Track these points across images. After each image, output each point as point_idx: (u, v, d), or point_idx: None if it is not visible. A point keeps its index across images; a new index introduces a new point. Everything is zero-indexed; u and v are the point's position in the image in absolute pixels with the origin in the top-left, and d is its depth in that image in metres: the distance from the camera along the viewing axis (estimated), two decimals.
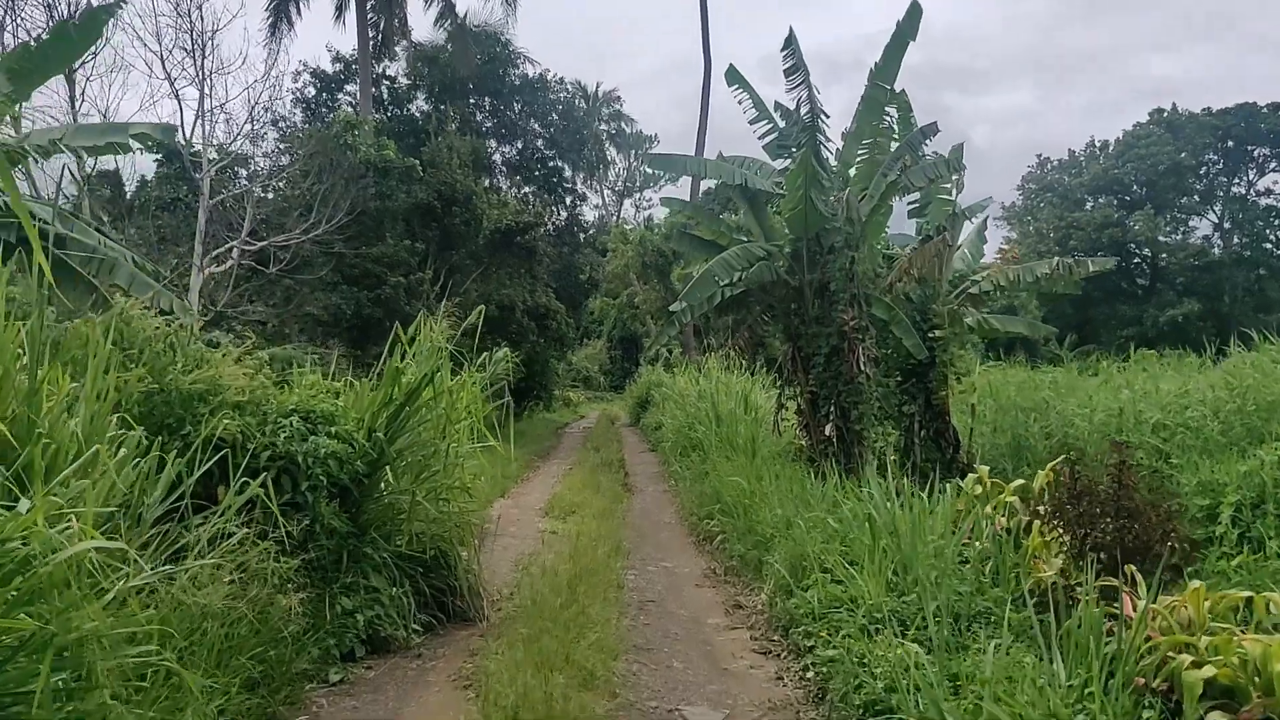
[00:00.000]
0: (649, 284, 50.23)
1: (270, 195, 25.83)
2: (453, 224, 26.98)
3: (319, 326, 25.48)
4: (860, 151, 15.23)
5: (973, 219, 17.28)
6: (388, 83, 35.93)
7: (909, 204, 16.53)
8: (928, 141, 15.03)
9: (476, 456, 10.21)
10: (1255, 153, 68.50)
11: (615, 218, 75.40)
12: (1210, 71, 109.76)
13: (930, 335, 15.42)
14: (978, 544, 8.57)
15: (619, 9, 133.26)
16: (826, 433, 14.05)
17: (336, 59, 34.68)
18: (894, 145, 15.15)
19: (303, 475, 6.87)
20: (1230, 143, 68.11)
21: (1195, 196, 69.58)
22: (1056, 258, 16.41)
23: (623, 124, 64.00)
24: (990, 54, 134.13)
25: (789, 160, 15.15)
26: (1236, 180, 70.60)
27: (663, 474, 20.61)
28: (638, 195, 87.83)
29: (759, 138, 15.33)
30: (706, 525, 12.90)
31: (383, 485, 7.90)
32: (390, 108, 35.73)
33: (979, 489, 9.70)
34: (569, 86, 39.19)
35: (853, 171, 15.32)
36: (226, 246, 20.70)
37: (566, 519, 14.40)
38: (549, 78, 37.94)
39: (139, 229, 23.70)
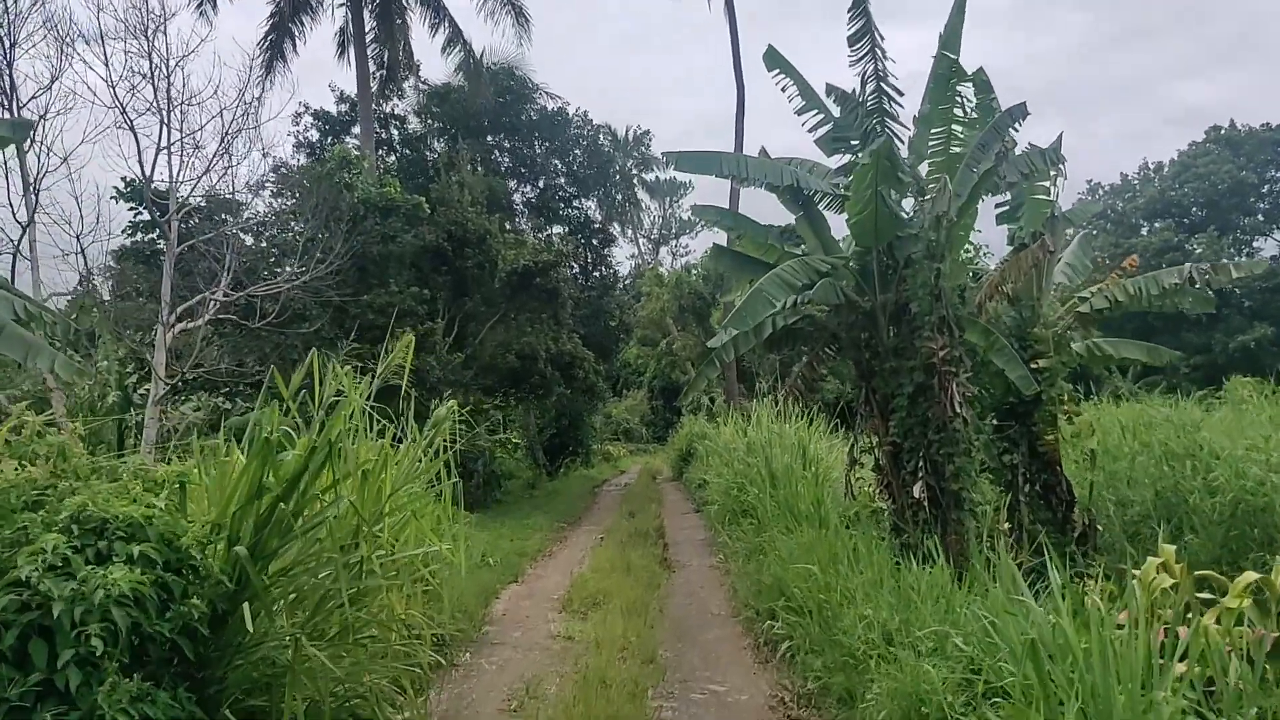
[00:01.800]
0: (687, 329, 47.34)
1: (264, 243, 23.30)
2: (465, 267, 24.21)
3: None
4: (933, 141, 12.26)
5: (1077, 226, 14.27)
6: (396, 124, 33.48)
7: (997, 206, 13.55)
8: (1016, 126, 12.05)
9: (439, 559, 7.22)
10: None
11: (651, 266, 72.78)
12: (1242, 95, 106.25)
13: (1033, 366, 12.39)
14: (1178, 667, 5.51)
15: (648, 66, 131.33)
16: (915, 494, 10.96)
17: (341, 99, 32.28)
18: (972, 133, 12.15)
19: (63, 638, 3.91)
20: None
21: (1259, 216, 66.05)
22: (1189, 264, 13.29)
23: (654, 168, 61.31)
24: (1014, 91, 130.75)
25: (848, 155, 12.26)
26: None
27: (709, 542, 17.54)
28: (674, 243, 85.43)
29: (809, 130, 12.38)
30: (769, 627, 9.76)
31: (252, 630, 4.86)
32: (401, 149, 33.28)
33: (1164, 580, 6.63)
34: (593, 123, 36.49)
35: (925, 166, 12.35)
36: (198, 298, 18.01)
37: (588, 615, 11.40)
38: (571, 113, 35.37)
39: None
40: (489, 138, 34.15)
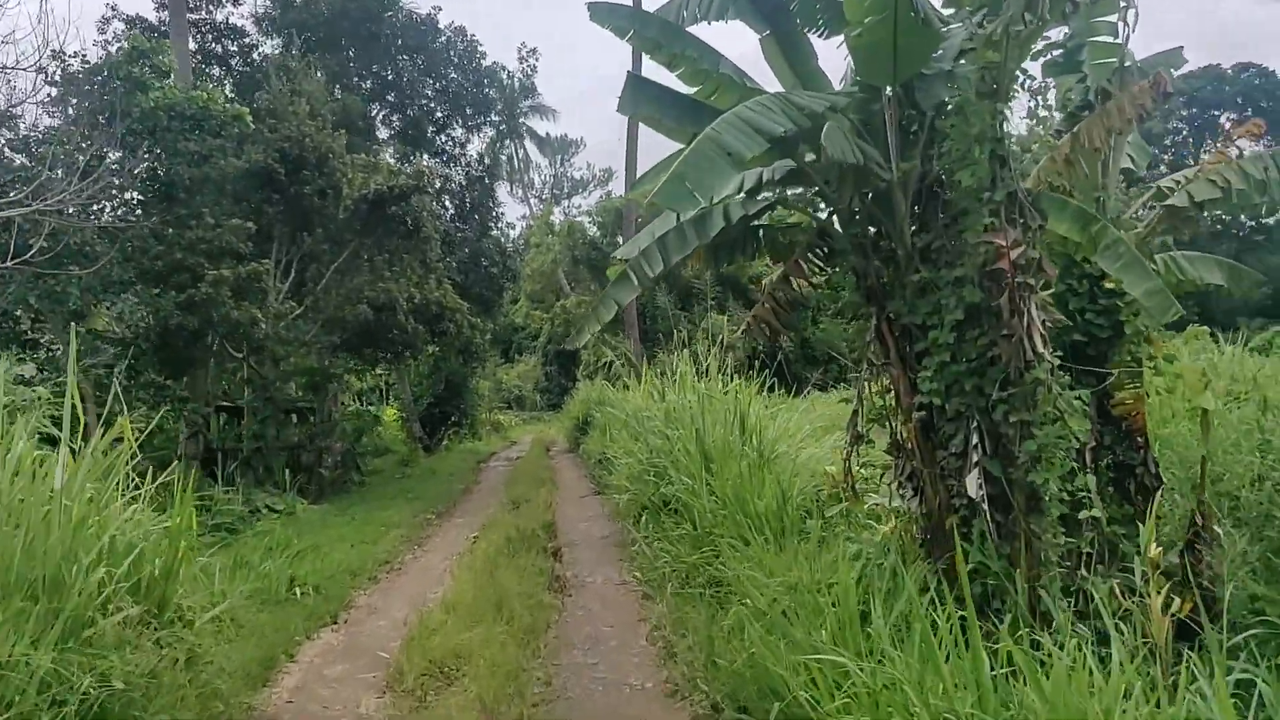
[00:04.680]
0: (581, 284, 42.76)
1: (28, 158, 17.91)
2: (303, 194, 19.09)
3: (110, 345, 17.57)
4: None
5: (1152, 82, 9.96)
6: (233, 37, 27.87)
7: (1050, 51, 9.19)
8: None
9: None
10: (1222, 117, 62.92)
11: (541, 215, 67.85)
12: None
13: (1106, 286, 8.15)
14: None
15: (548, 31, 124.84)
16: (970, 491, 6.52)
17: (162, 5, 26.59)
18: None
19: None
20: (1195, 109, 62.56)
21: (1163, 168, 63.82)
22: None
23: (544, 117, 55.93)
24: None
25: None
26: (1205, 149, 64.98)
27: (617, 541, 13.04)
28: (566, 203, 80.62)
29: None
30: None
31: None
32: (239, 67, 27.77)
33: None
34: (469, 35, 30.99)
35: None
36: None
37: (427, 701, 6.80)
38: (444, 25, 30.07)
39: None
40: (346, 54, 28.76)
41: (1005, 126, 6.69)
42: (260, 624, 8.58)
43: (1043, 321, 6.58)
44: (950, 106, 6.89)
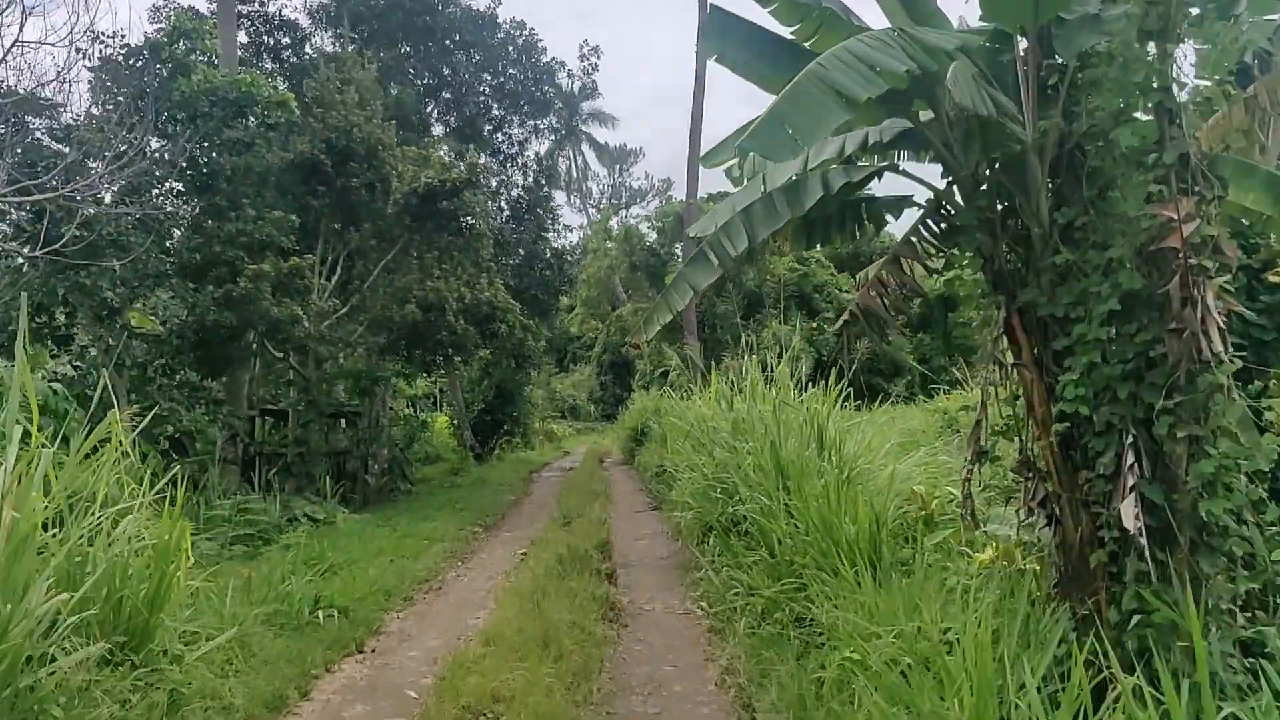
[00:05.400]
0: (638, 291, 41.64)
1: (69, 146, 17.12)
2: (350, 187, 18.19)
3: (146, 342, 16.62)
4: None
5: None
6: (286, 31, 27.15)
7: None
8: None
9: None
10: None
11: (599, 221, 66.95)
12: None
13: (1272, 277, 6.92)
14: None
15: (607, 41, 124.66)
16: (1126, 523, 5.24)
17: None
18: None
19: None
20: None
21: None
22: None
23: (603, 124, 54.87)
24: None
25: None
26: None
27: (677, 563, 11.88)
28: (624, 213, 79.65)
29: None
30: None
31: None
32: (287, 59, 27.00)
33: None
34: (528, 28, 30.08)
35: None
36: None
37: None
38: (502, 19, 29.17)
39: None
40: (401, 48, 27.96)
41: (1175, 73, 5.46)
42: (274, 653, 7.52)
43: (1222, 313, 5.32)
44: (1100, 54, 5.64)
